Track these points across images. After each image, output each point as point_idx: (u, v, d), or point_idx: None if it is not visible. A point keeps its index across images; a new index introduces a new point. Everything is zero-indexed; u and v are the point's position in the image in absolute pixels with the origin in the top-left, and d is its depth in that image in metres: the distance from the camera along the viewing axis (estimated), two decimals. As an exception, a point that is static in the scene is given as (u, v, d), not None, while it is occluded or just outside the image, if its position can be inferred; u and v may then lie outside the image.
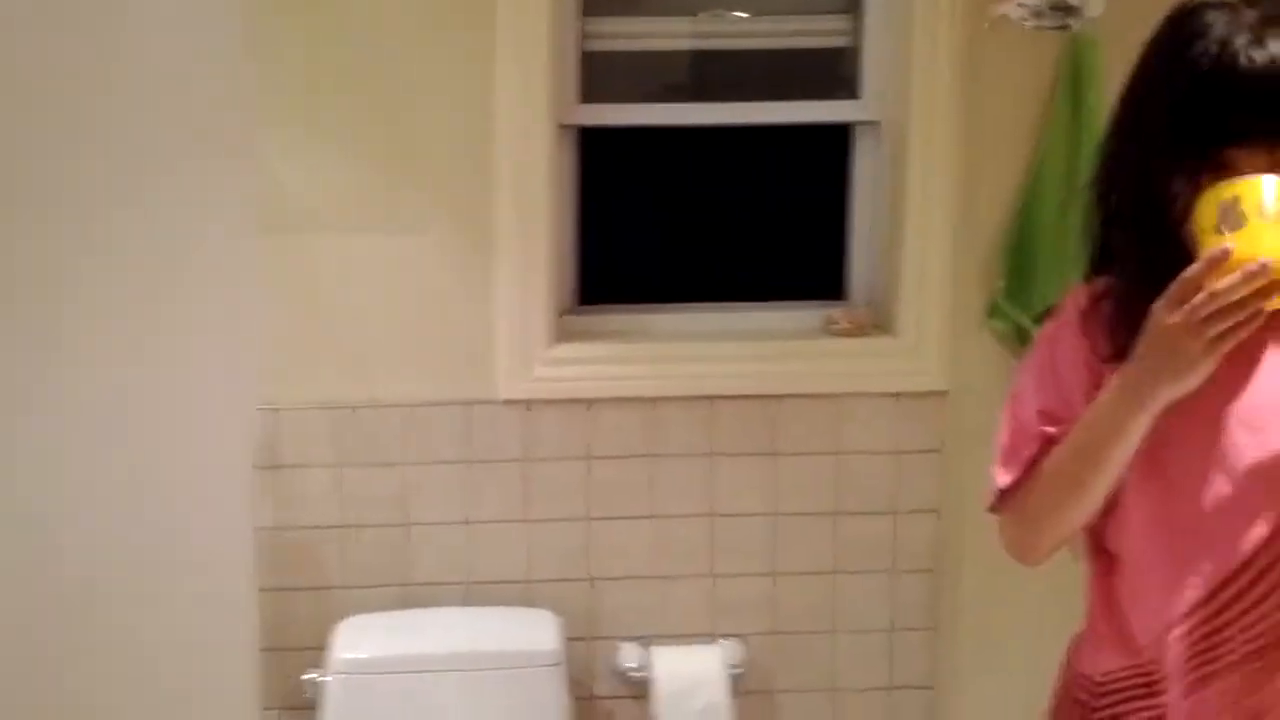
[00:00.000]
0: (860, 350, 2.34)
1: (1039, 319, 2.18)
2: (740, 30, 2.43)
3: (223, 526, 1.01)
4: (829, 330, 2.36)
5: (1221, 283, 1.11)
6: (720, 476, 2.33)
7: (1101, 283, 1.30)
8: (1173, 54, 1.21)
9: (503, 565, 2.33)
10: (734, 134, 2.42)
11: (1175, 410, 1.20)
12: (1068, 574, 2.27)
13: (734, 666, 2.30)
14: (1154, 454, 1.24)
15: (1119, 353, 1.23)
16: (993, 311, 2.29)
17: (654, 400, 2.30)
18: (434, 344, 2.25)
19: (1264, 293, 1.11)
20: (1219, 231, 1.14)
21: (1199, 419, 1.22)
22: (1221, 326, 1.12)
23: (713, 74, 2.46)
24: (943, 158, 2.26)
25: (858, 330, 2.34)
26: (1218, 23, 1.18)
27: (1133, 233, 1.26)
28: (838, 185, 2.41)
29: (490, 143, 2.20)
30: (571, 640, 2.26)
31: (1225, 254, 1.11)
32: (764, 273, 2.49)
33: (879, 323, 2.37)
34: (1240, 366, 1.22)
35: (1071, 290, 1.36)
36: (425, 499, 2.29)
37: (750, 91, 2.39)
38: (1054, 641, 2.25)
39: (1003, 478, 1.36)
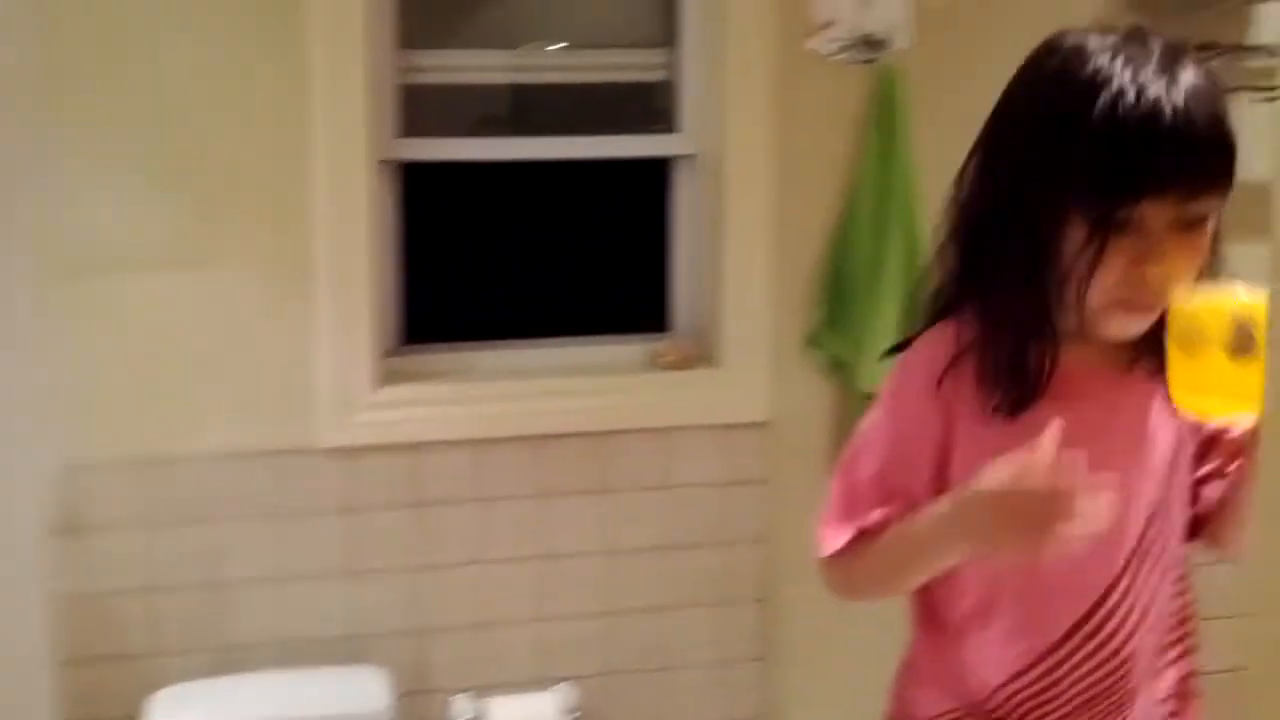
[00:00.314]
0: (685, 382, 2.34)
1: (855, 347, 2.23)
2: (559, 64, 2.41)
3: (11, 596, 0.92)
4: (655, 363, 2.36)
5: (1068, 487, 1.05)
6: (552, 516, 2.29)
7: (955, 332, 1.22)
8: (1072, 98, 1.12)
9: (326, 622, 2.22)
10: (557, 167, 2.40)
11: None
12: (892, 601, 2.32)
13: (570, 712, 2.26)
14: None
15: (1014, 404, 1.18)
16: (812, 341, 2.32)
17: (483, 441, 2.24)
18: (249, 391, 2.14)
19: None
20: (1232, 351, 1.07)
21: None
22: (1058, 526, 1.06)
23: (535, 108, 2.44)
24: (759, 190, 2.29)
25: (683, 363, 2.35)
26: (1118, 61, 1.11)
27: (1020, 288, 1.17)
28: (659, 218, 2.42)
29: (306, 178, 2.12)
30: (402, 696, 2.18)
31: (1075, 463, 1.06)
32: (589, 307, 2.47)
33: (703, 354, 2.38)
34: (1085, 433, 1.15)
35: (923, 343, 1.26)
36: (241, 556, 2.17)
37: (572, 125, 2.38)
38: (884, 668, 2.28)
39: (830, 540, 1.27)
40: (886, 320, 2.20)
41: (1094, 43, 1.14)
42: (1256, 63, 2.27)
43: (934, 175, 2.24)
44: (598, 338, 2.41)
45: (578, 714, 2.27)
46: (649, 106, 2.43)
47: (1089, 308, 1.15)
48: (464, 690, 2.25)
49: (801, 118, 2.27)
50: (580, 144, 2.36)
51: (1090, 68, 1.12)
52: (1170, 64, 1.11)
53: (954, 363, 1.21)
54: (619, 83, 2.43)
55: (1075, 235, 1.12)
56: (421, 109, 2.28)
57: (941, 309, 1.26)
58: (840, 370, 2.30)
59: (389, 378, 2.23)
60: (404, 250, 2.31)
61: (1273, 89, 2.27)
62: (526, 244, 2.46)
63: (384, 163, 2.24)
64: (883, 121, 2.24)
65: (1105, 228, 1.11)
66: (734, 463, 2.35)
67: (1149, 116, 1.09)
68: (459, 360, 2.34)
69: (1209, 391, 1.11)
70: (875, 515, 1.23)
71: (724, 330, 2.31)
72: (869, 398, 2.17)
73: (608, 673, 2.34)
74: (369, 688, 2.12)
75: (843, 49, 2.25)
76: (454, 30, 2.36)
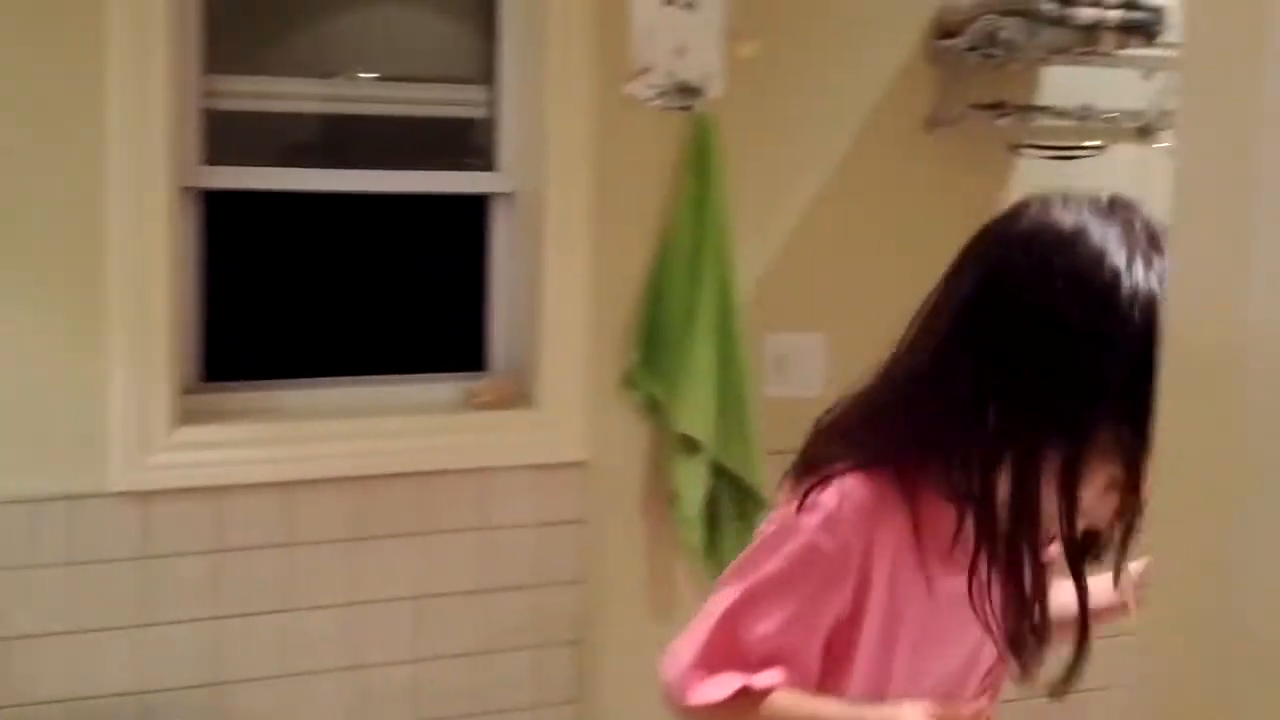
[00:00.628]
0: (502, 423, 2.31)
1: (670, 389, 2.25)
2: (373, 95, 2.36)
3: None
4: (471, 403, 2.32)
5: None
6: (364, 562, 2.21)
7: (900, 493, 1.14)
8: (1101, 309, 1.05)
9: (117, 677, 2.08)
10: (372, 202, 2.34)
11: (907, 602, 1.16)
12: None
13: (380, 761, 2.19)
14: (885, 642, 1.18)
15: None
16: (628, 382, 2.33)
17: (290, 484, 2.15)
18: (35, 431, 1.99)
19: None
20: None
21: (939, 608, 1.17)
22: None
23: (350, 139, 2.38)
24: (578, 230, 2.29)
25: (499, 402, 2.32)
26: (1137, 263, 1.06)
27: (1028, 489, 1.08)
28: (477, 256, 2.39)
29: (101, 206, 1.99)
30: (199, 753, 2.06)
31: None
32: (404, 345, 2.42)
33: (520, 394, 2.36)
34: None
35: (857, 498, 1.14)
36: (24, 609, 2.01)
37: (389, 159, 2.33)
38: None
39: (704, 689, 1.15)
40: (699, 363, 2.24)
41: (1095, 230, 1.08)
42: (1044, 122, 2.42)
43: (747, 221, 2.32)
44: (412, 377, 2.36)
45: (387, 765, 2.20)
46: (468, 143, 2.41)
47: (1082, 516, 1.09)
48: (266, 745, 2.15)
49: (621, 161, 2.29)
50: (395, 178, 2.31)
51: (1107, 270, 1.06)
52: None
53: (893, 526, 1.14)
54: (438, 117, 2.40)
55: (1088, 449, 1.06)
56: (229, 136, 2.19)
57: (876, 457, 1.16)
58: (656, 411, 2.32)
59: (188, 417, 2.12)
60: (206, 283, 2.21)
61: (1058, 148, 2.42)
62: (338, 279, 2.39)
63: (187, 190, 2.15)
64: (698, 168, 2.28)
65: (1135, 450, 1.04)
66: (551, 503, 2.33)
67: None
68: (264, 399, 2.25)
69: None
70: (767, 678, 1.14)
71: (541, 370, 2.30)
72: (685, 439, 2.23)
73: (420, 721, 2.28)
74: (163, 747, 2.00)
75: (659, 95, 2.28)
76: (265, 56, 2.29)
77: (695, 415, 2.24)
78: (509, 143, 2.36)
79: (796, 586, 1.14)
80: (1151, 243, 1.08)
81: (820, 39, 2.37)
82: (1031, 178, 2.49)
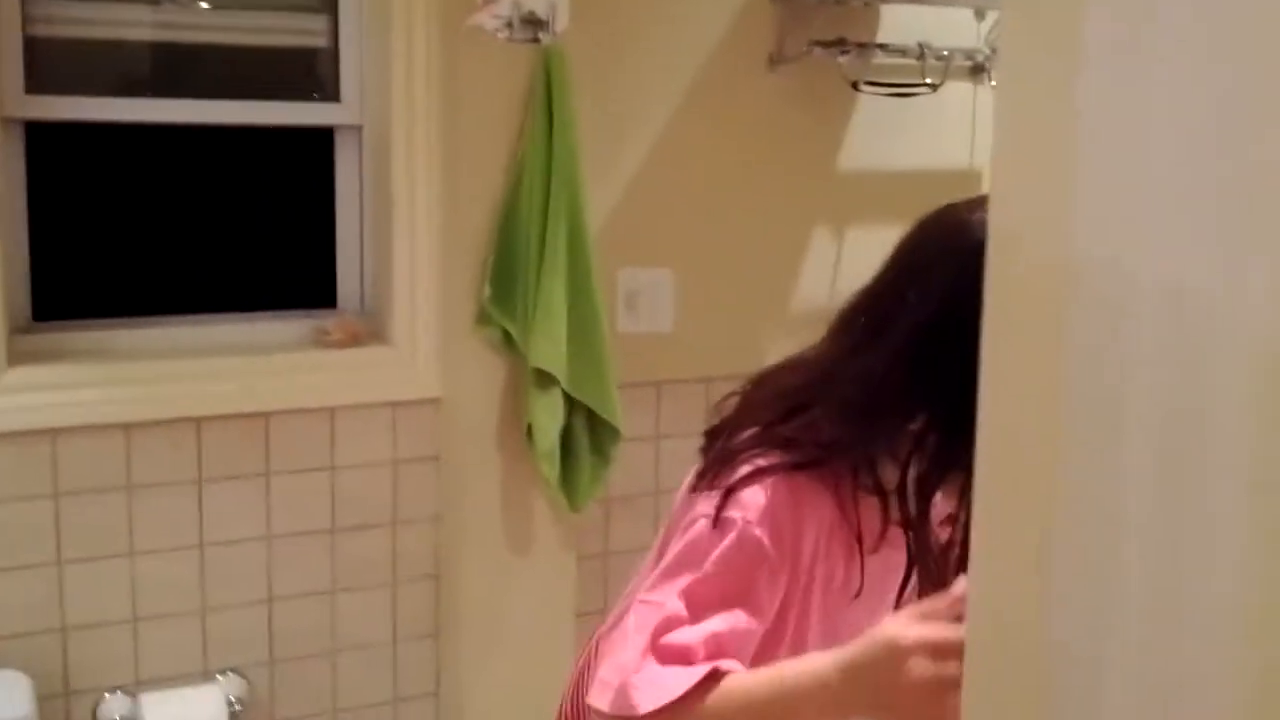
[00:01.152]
0: (353, 361, 2.28)
1: (523, 324, 2.26)
2: (205, 23, 2.28)
3: None
4: (320, 342, 2.29)
5: None
6: (209, 503, 2.18)
7: (835, 492, 1.13)
8: None
9: (-48, 628, 2.02)
10: (213, 136, 2.27)
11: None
12: (565, 572, 2.39)
13: (234, 702, 2.17)
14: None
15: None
16: (481, 318, 2.33)
17: (129, 426, 2.10)
18: None
19: None
20: None
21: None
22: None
23: (186, 70, 2.29)
24: (426, 164, 2.26)
25: (350, 340, 2.29)
26: None
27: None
28: (325, 191, 2.34)
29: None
30: (46, 700, 2.01)
31: None
32: (247, 282, 2.36)
33: (372, 331, 2.33)
34: (890, 582, 1.14)
35: (789, 502, 1.11)
36: None
37: (229, 91, 2.25)
38: (555, 644, 2.36)
39: (639, 699, 1.04)
40: (552, 298, 2.24)
41: None
42: (883, 60, 2.48)
43: (596, 156, 2.32)
44: (259, 315, 2.31)
45: (242, 705, 2.18)
46: (313, 74, 2.35)
47: None
48: (116, 689, 2.11)
49: (468, 94, 2.26)
50: (230, 108, 2.24)
51: None
52: None
53: (819, 520, 1.13)
54: (278, 47, 2.33)
55: None
56: (55, 66, 2.09)
57: (806, 455, 1.14)
58: (510, 346, 2.32)
59: (19, 358, 2.04)
60: (33, 218, 2.12)
61: (896, 85, 2.49)
62: (177, 215, 2.31)
63: (8, 120, 2.04)
64: (546, 102, 2.26)
65: None
66: (406, 441, 2.32)
67: None
68: (102, 339, 2.17)
69: None
70: (725, 664, 1.06)
71: (393, 307, 2.28)
72: (539, 374, 2.24)
73: (276, 660, 2.27)
74: (8, 693, 1.94)
75: (505, 26, 2.25)
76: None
77: (549, 350, 2.24)
78: (351, 74, 2.31)
79: (733, 585, 1.09)
80: None
81: (666, -27, 2.37)
82: (871, 115, 2.56)
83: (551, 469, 2.28)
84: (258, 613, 2.25)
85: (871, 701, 0.98)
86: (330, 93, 2.32)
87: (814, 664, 1.02)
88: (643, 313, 2.45)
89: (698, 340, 2.50)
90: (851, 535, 1.16)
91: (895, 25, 2.53)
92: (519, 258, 2.29)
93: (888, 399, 1.12)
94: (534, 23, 2.26)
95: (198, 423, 2.15)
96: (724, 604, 1.09)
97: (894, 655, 0.95)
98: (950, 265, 1.08)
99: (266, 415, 2.20)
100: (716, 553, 1.10)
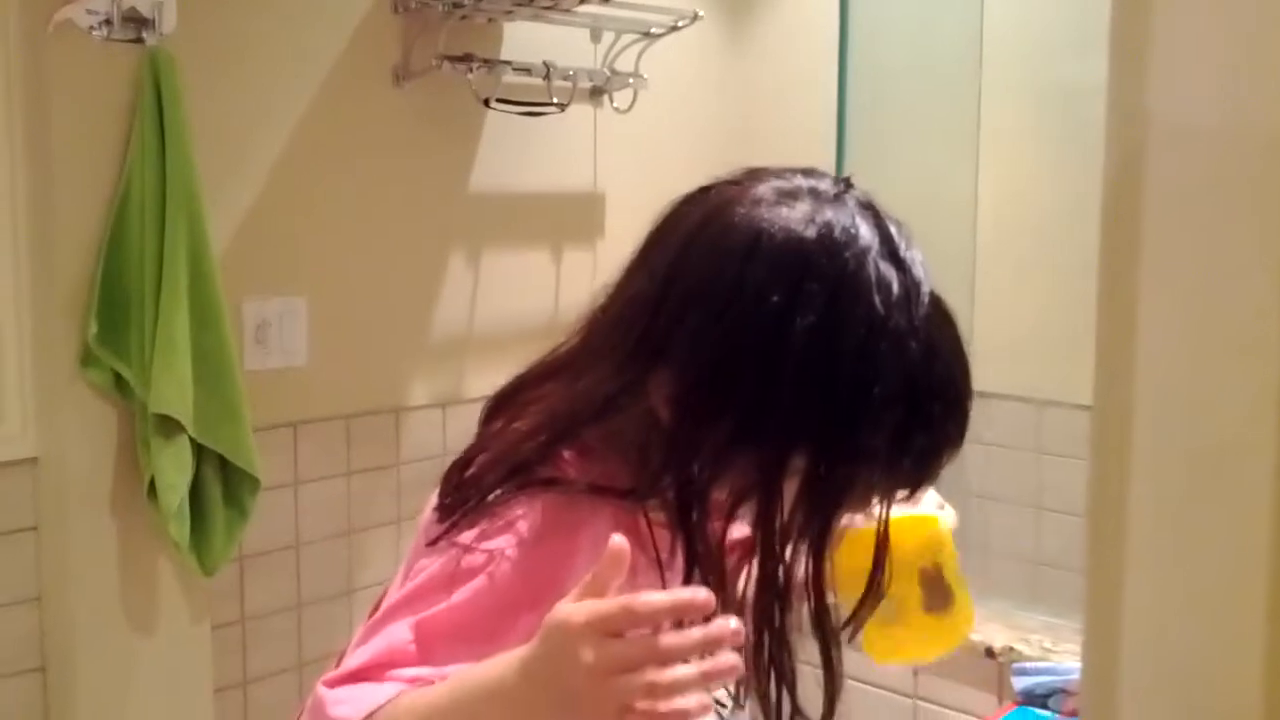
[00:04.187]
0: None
1: (139, 362, 1.96)
2: None
3: None
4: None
5: (681, 638, 0.81)
6: None
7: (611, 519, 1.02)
8: (839, 332, 0.94)
9: None
10: None
11: None
12: (199, 646, 2.09)
13: None
14: None
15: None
16: (86, 359, 2.00)
17: None
18: None
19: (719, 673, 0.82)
20: (926, 610, 0.99)
21: None
22: (650, 691, 0.81)
23: None
24: (8, 183, 1.92)
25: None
26: (883, 289, 0.95)
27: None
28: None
29: None
30: None
31: (705, 604, 0.82)
32: None
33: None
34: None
35: (530, 517, 1.00)
36: None
37: None
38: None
39: (333, 713, 0.94)
40: (173, 332, 1.96)
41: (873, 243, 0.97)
42: (512, 78, 2.42)
43: (215, 175, 2.07)
44: None
45: None
46: None
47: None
48: None
49: (61, 100, 1.93)
50: None
51: (862, 290, 0.95)
52: (936, 305, 0.99)
53: (581, 549, 1.01)
54: None
55: (791, 475, 0.98)
56: None
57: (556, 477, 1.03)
58: (124, 392, 2.01)
59: None
60: None
61: (524, 104, 2.44)
62: None
63: None
64: (155, 112, 1.99)
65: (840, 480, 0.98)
66: (-6, 510, 1.94)
67: (946, 383, 0.98)
68: None
69: (909, 647, 1.07)
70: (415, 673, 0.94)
71: (-27, 351, 1.90)
72: (161, 421, 1.95)
73: None
74: None
75: (104, 24, 1.97)
76: None
77: (172, 392, 1.96)
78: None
79: (478, 623, 0.97)
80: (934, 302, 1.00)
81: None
82: (500, 135, 2.50)
83: (181, 530, 1.99)
84: None
85: (555, 700, 0.85)
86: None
87: (498, 665, 0.89)
88: (273, 346, 2.22)
89: (335, 374, 2.30)
90: (640, 546, 1.07)
91: (518, 43, 2.49)
92: (131, 287, 1.98)
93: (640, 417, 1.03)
94: (137, 21, 1.99)
95: None
96: (461, 641, 0.96)
97: (567, 639, 0.83)
98: (698, 251, 1.02)
99: None
100: (457, 590, 0.97)
